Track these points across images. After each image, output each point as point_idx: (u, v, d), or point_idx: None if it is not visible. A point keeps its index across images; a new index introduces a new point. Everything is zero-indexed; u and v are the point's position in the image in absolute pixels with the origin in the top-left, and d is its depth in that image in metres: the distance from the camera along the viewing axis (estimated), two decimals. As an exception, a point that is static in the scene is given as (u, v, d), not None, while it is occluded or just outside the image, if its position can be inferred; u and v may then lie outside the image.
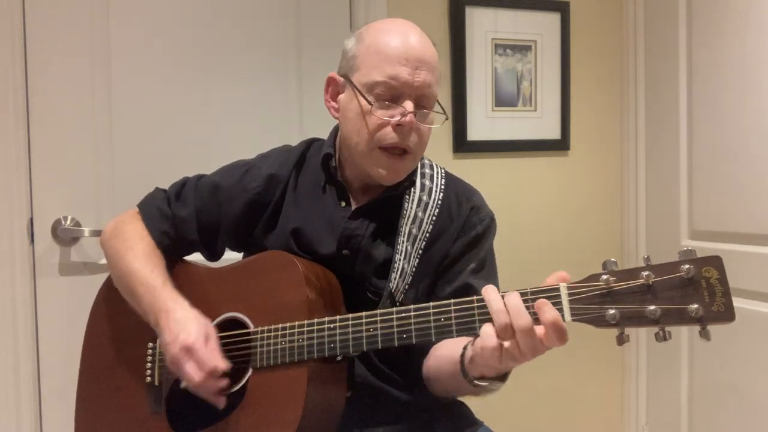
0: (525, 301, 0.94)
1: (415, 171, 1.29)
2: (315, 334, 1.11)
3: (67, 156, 1.87)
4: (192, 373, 1.10)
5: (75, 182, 1.89)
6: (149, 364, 1.28)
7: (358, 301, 1.20)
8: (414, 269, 1.23)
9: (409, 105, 1.17)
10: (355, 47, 1.23)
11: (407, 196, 1.26)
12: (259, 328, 1.16)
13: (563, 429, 2.53)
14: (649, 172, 2.52)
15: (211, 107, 2.01)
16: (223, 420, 1.16)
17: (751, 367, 2.11)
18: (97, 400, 1.34)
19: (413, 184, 1.28)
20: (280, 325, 1.14)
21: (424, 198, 1.27)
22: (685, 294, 0.87)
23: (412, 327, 1.05)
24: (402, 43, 1.19)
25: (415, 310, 1.05)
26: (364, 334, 1.08)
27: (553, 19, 2.43)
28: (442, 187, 1.30)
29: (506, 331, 0.93)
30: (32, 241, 1.86)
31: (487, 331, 0.95)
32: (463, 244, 1.27)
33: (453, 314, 1.01)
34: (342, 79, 1.25)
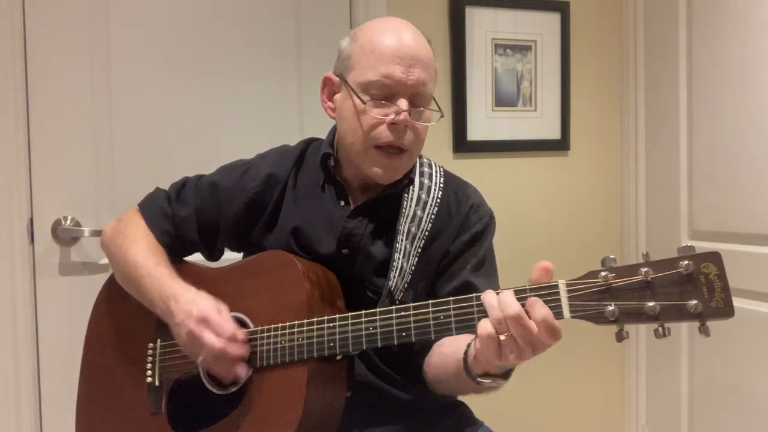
0: (524, 297, 0.94)
1: (414, 169, 1.29)
2: (314, 333, 1.11)
3: (67, 156, 1.87)
4: (212, 340, 1.10)
5: (75, 182, 1.89)
6: (150, 365, 1.28)
7: (358, 300, 1.20)
8: (413, 268, 1.23)
9: (403, 103, 1.17)
10: (349, 47, 1.23)
11: (406, 195, 1.26)
12: (259, 328, 1.16)
13: (564, 428, 2.53)
14: (649, 172, 2.52)
15: (211, 107, 2.01)
16: (223, 420, 1.16)
17: (751, 367, 2.11)
18: (98, 400, 1.34)
19: (412, 182, 1.28)
20: (279, 325, 1.15)
21: (423, 196, 1.27)
22: (684, 290, 0.87)
23: (412, 325, 1.05)
24: (395, 41, 1.19)
25: (415, 308, 1.05)
26: (364, 332, 1.09)
27: (553, 19, 2.43)
28: (441, 185, 1.30)
29: (501, 325, 0.93)
30: (32, 241, 1.86)
31: (484, 324, 0.95)
32: (463, 242, 1.27)
33: (452, 312, 1.02)
34: (337, 79, 1.25)
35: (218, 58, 2.02)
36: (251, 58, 2.05)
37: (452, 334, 1.03)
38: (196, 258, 1.37)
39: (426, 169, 1.32)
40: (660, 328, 0.89)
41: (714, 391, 2.26)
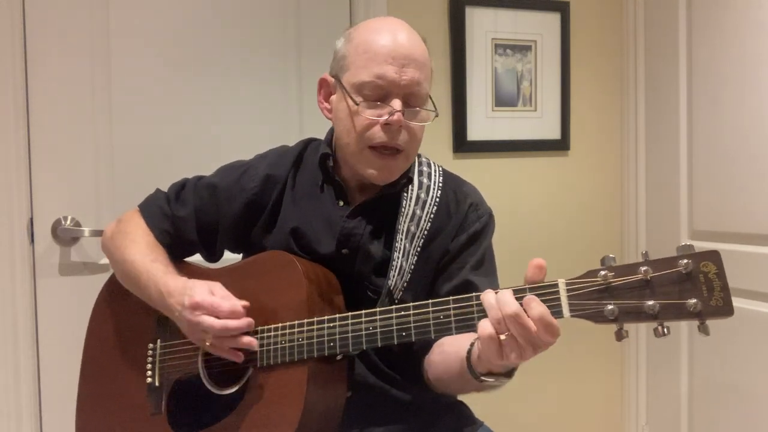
0: (522, 297, 0.94)
1: (413, 169, 1.30)
2: (314, 333, 1.11)
3: (67, 156, 1.88)
4: (210, 322, 1.11)
5: (75, 182, 1.89)
6: (150, 365, 1.28)
7: (357, 300, 1.20)
8: (413, 267, 1.23)
9: (396, 104, 1.17)
10: (344, 47, 1.24)
11: (405, 194, 1.27)
12: (259, 328, 1.16)
13: (564, 427, 2.53)
14: (649, 172, 2.52)
15: (211, 107, 2.01)
16: (223, 420, 1.16)
17: (751, 367, 2.11)
18: (98, 400, 1.35)
19: (411, 182, 1.28)
20: (279, 325, 1.15)
21: (422, 196, 1.27)
22: (683, 289, 0.87)
23: (411, 324, 1.05)
24: (389, 41, 1.19)
25: (414, 307, 1.05)
26: (364, 332, 1.09)
27: (553, 19, 2.43)
28: (440, 184, 1.30)
29: (501, 324, 0.93)
30: (32, 241, 1.86)
31: (484, 325, 0.95)
32: (462, 241, 1.27)
33: (452, 311, 1.02)
34: (333, 80, 1.26)
35: (218, 58, 2.02)
36: (251, 58, 2.05)
37: (452, 334, 1.03)
38: (196, 259, 1.37)
39: (425, 169, 1.32)
40: (659, 327, 0.89)
41: (714, 390, 2.26)
